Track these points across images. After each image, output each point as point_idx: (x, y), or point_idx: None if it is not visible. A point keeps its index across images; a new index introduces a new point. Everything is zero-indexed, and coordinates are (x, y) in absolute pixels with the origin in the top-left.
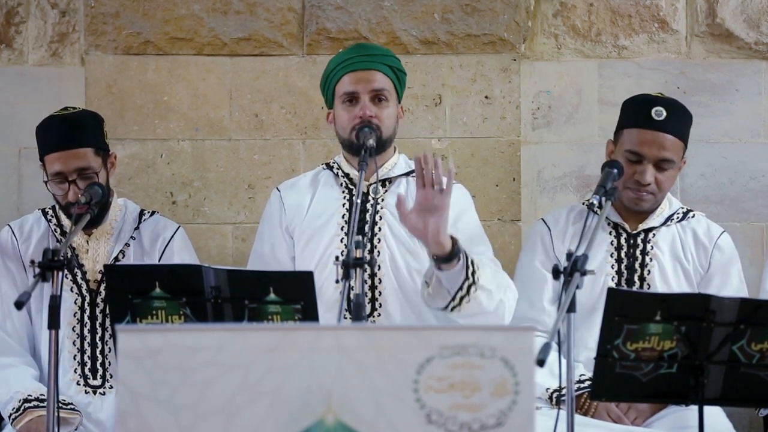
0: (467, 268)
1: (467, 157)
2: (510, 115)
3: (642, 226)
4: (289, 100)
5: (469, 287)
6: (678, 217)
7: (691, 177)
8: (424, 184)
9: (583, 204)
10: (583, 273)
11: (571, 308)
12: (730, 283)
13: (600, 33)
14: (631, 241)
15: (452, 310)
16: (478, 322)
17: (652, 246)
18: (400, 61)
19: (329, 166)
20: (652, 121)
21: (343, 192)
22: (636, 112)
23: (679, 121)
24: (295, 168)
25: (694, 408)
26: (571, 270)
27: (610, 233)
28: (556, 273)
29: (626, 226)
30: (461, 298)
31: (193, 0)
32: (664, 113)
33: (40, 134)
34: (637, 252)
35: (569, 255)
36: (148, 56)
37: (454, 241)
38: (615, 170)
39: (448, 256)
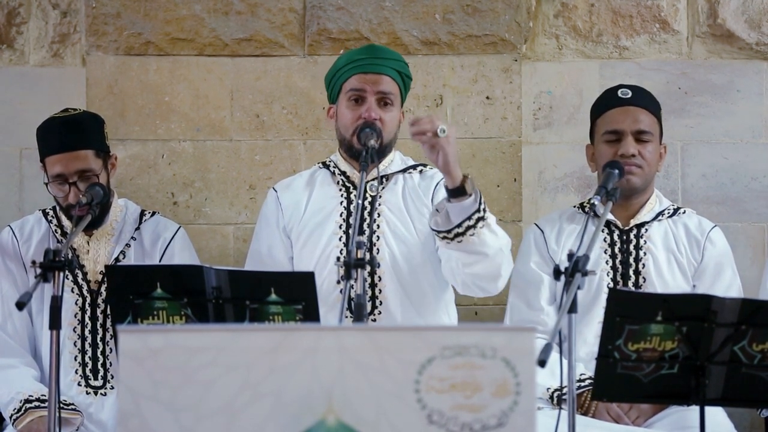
0: (480, 203)
1: (468, 158)
2: (511, 116)
3: (633, 222)
4: (290, 100)
5: (478, 220)
6: (668, 213)
7: (692, 177)
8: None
9: (574, 207)
10: (585, 273)
11: (572, 309)
12: (724, 275)
13: (601, 33)
14: (624, 237)
15: (454, 238)
16: (476, 267)
17: (645, 240)
18: (408, 66)
19: (325, 165)
20: (621, 99)
21: (340, 190)
22: (603, 100)
23: (646, 98)
24: (297, 168)
25: (696, 408)
26: (572, 270)
27: (603, 230)
28: (557, 273)
29: (618, 222)
30: (467, 228)
31: (194, 0)
32: (630, 92)
33: (40, 136)
34: (631, 247)
35: (570, 255)
36: (149, 57)
37: (466, 178)
38: (616, 171)
39: (457, 189)
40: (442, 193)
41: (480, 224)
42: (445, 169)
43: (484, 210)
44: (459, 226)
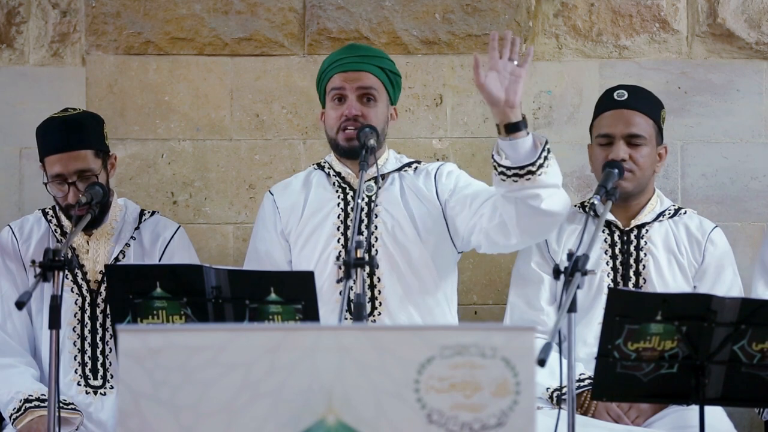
0: (534, 137)
1: (468, 157)
2: None
3: (634, 222)
4: (290, 100)
5: (549, 151)
6: (669, 214)
7: (692, 177)
8: (501, 56)
9: (575, 206)
10: (584, 273)
11: (572, 308)
12: (725, 276)
13: (601, 33)
14: (625, 238)
15: (539, 168)
16: (553, 198)
17: (645, 241)
18: (395, 64)
19: (320, 166)
20: (615, 102)
21: (337, 192)
22: (600, 102)
23: (642, 99)
24: (296, 168)
25: (695, 408)
26: (572, 270)
27: (604, 231)
28: (557, 273)
29: (619, 223)
30: (545, 158)
31: (194, 0)
32: (626, 94)
33: (40, 136)
34: (632, 248)
35: (570, 255)
36: (149, 56)
37: (523, 115)
38: (616, 170)
39: (518, 123)
40: (446, 183)
41: (550, 155)
42: (511, 102)
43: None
44: (540, 156)
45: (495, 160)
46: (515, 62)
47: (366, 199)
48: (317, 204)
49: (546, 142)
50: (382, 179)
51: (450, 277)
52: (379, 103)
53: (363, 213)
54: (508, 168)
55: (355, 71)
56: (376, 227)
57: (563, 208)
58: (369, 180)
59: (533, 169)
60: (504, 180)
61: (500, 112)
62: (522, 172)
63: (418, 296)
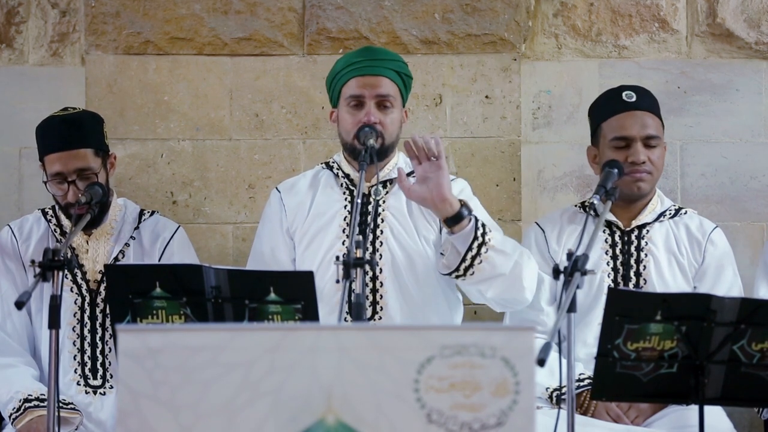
0: (476, 229)
1: (468, 157)
2: (510, 115)
3: (635, 223)
4: (290, 99)
5: (479, 246)
6: (670, 214)
7: (691, 177)
8: (420, 161)
9: (576, 206)
10: (584, 273)
11: (572, 308)
12: (725, 276)
13: (600, 33)
14: (625, 238)
15: (466, 272)
16: (498, 288)
17: (646, 242)
18: (408, 66)
19: (329, 166)
20: (626, 103)
21: (344, 193)
22: (607, 103)
23: (649, 99)
24: (296, 168)
25: (695, 408)
26: (571, 270)
27: (604, 231)
28: (556, 273)
29: (620, 223)
30: (473, 258)
31: (194, 0)
32: (634, 95)
33: (39, 134)
34: (632, 248)
35: (569, 255)
36: (148, 56)
37: (462, 203)
38: (615, 170)
39: (457, 214)
40: None
41: (483, 249)
42: (440, 197)
43: (483, 234)
44: (464, 260)
45: (438, 269)
46: (435, 156)
47: (372, 203)
48: (324, 204)
49: (473, 240)
50: (391, 184)
51: (452, 291)
52: (395, 109)
53: (369, 217)
54: (447, 274)
55: (372, 76)
56: (381, 231)
57: (515, 291)
58: (374, 185)
59: (459, 273)
60: (452, 278)
61: (437, 210)
62: (452, 276)
63: (420, 302)
